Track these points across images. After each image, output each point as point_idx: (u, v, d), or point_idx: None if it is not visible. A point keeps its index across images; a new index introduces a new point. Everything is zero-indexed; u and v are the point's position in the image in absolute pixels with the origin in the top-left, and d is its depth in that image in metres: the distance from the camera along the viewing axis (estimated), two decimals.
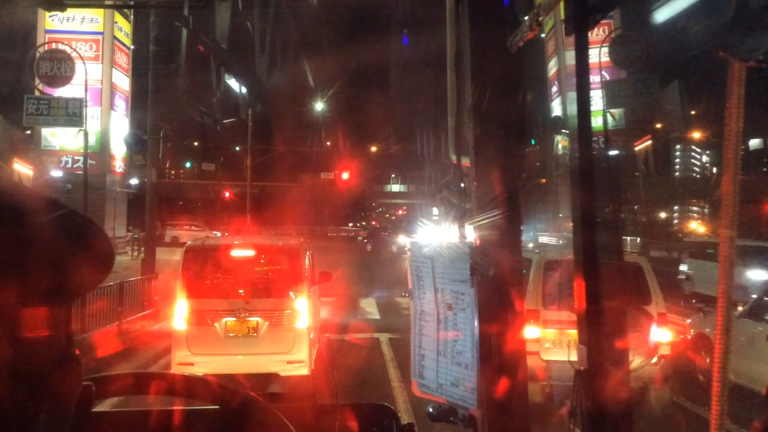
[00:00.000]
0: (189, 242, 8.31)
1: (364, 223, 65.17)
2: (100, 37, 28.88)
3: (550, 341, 6.79)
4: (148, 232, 16.05)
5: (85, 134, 14.25)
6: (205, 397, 1.23)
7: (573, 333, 4.47)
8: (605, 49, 17.40)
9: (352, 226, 62.36)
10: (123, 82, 31.04)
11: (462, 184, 1.80)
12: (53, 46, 17.08)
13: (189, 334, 7.16)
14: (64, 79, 15.24)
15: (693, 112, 45.18)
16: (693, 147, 58.73)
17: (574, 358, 1.45)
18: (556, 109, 39.28)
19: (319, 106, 46.74)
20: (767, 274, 12.37)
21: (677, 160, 62.01)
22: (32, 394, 0.67)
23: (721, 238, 1.14)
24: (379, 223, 69.67)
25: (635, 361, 6.31)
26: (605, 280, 1.39)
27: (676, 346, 7.98)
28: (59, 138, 27.26)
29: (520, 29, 1.66)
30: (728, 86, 1.09)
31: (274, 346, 7.29)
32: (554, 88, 39.85)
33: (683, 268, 17.66)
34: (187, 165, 51.03)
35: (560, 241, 25.77)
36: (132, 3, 19.41)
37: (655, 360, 6.75)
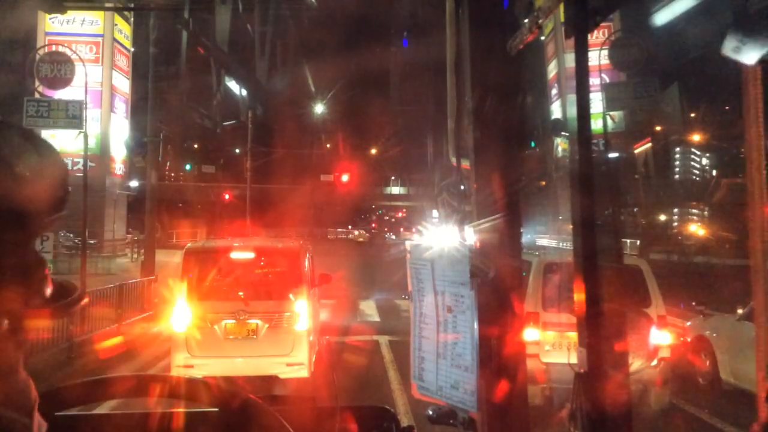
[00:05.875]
0: (189, 244, 8.30)
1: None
2: (100, 39, 28.89)
3: (549, 344, 6.78)
4: (148, 234, 16.04)
5: (85, 136, 14.21)
6: (205, 400, 1.23)
7: (573, 335, 4.47)
8: (605, 52, 17.37)
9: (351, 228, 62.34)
10: (123, 84, 31.04)
11: (462, 187, 1.80)
12: (53, 48, 17.06)
13: (189, 337, 7.15)
14: (64, 81, 15.21)
15: (693, 115, 45.23)
16: (693, 150, 58.70)
17: (573, 360, 1.45)
18: (556, 111, 39.30)
19: (319, 108, 46.77)
20: None
21: (677, 162, 61.97)
22: None
23: (750, 249, 1.12)
24: (378, 224, 69.64)
25: (635, 364, 6.31)
26: (605, 283, 1.39)
27: (676, 348, 7.97)
28: (59, 140, 27.06)
29: (520, 32, 1.66)
30: (743, 87, 1.09)
31: (274, 349, 7.28)
32: (554, 91, 39.87)
33: None
34: (187, 167, 51.02)
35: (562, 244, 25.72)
36: (132, 5, 19.44)
37: (654, 363, 6.74)
